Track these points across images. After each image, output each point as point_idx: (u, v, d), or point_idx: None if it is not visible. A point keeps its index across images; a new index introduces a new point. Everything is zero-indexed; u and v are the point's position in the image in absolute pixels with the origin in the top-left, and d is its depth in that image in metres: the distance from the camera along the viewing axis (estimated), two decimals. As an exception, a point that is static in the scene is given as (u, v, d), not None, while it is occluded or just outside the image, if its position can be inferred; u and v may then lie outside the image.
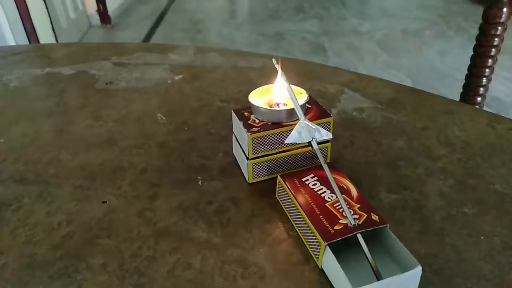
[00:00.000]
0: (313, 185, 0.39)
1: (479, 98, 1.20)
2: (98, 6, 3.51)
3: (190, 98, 0.63)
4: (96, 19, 3.58)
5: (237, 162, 0.47)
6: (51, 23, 2.76)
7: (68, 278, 0.35)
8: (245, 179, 0.45)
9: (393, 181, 0.45)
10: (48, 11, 2.72)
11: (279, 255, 0.36)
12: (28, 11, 2.41)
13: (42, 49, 0.84)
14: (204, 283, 0.34)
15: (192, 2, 4.52)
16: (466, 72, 1.19)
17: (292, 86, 0.41)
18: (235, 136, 0.46)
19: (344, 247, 0.35)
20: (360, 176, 0.45)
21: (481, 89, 1.18)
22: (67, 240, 0.38)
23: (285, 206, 0.41)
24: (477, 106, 1.20)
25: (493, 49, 1.10)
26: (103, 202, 0.43)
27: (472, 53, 1.15)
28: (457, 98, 1.25)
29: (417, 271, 0.31)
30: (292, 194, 0.39)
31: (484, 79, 1.17)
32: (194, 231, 0.39)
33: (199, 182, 0.45)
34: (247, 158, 0.43)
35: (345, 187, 0.39)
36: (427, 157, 0.48)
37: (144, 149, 0.51)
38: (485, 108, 1.30)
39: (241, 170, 0.46)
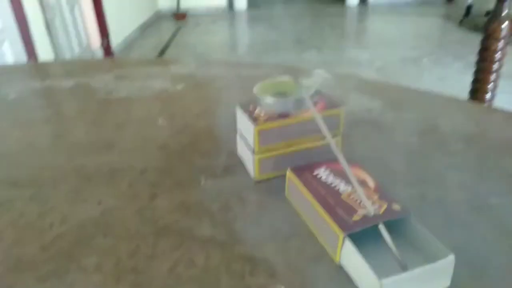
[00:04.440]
0: (326, 177, 0.37)
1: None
2: (102, 41, 3.59)
3: (192, 104, 0.61)
4: (100, 53, 3.65)
5: (242, 163, 0.45)
6: (56, 57, 2.81)
7: (57, 279, 0.31)
8: (251, 179, 0.42)
9: (410, 175, 0.42)
10: (53, 47, 2.78)
11: (290, 251, 0.33)
12: (33, 47, 2.46)
13: (42, 66, 0.84)
14: (208, 281, 0.30)
15: (193, 36, 4.64)
16: (467, 97, 1.18)
17: (301, 79, 0.39)
18: (240, 134, 0.44)
19: (362, 241, 0.31)
20: (375, 171, 0.42)
21: (486, 104, 1.17)
22: (59, 240, 0.35)
23: (296, 201, 0.38)
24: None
25: (496, 64, 1.09)
26: (99, 204, 0.40)
27: (471, 78, 1.15)
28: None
29: (450, 260, 0.28)
30: (304, 187, 0.36)
31: (489, 95, 1.16)
32: (197, 229, 0.36)
33: (202, 182, 0.42)
34: (253, 153, 0.40)
35: (361, 177, 0.36)
36: (443, 152, 0.46)
37: (144, 151, 0.49)
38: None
39: (247, 170, 0.43)
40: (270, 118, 0.40)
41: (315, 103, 0.41)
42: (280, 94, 0.41)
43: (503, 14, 1.06)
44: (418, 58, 3.50)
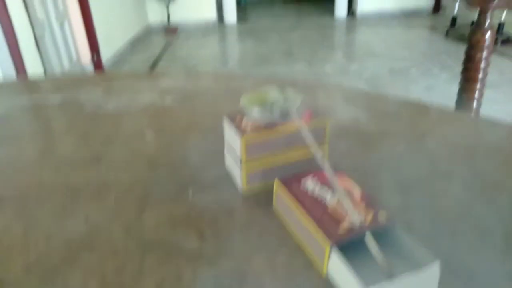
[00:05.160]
0: (313, 188, 0.37)
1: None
2: (92, 56, 3.59)
3: (180, 117, 0.61)
4: (90, 68, 3.64)
5: (230, 176, 0.45)
6: (45, 73, 2.80)
7: (41, 298, 0.31)
8: (239, 191, 0.42)
9: (396, 184, 0.42)
10: (42, 63, 2.77)
11: (278, 264, 0.33)
12: (23, 63, 2.45)
13: (31, 82, 0.83)
14: (196, 296, 0.30)
15: (184, 50, 4.66)
16: (454, 106, 1.20)
17: (286, 90, 0.40)
18: (227, 146, 0.44)
19: (349, 250, 0.31)
20: (361, 180, 0.43)
21: (473, 114, 1.19)
22: (44, 259, 0.34)
23: (284, 212, 0.37)
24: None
25: (481, 73, 1.12)
26: (86, 219, 0.39)
27: (458, 87, 1.17)
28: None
29: (435, 266, 0.28)
30: (291, 197, 0.36)
31: (475, 103, 1.18)
32: (185, 244, 0.35)
33: (190, 196, 0.42)
34: (241, 164, 0.40)
35: (347, 187, 0.36)
36: (430, 160, 0.46)
37: (132, 166, 0.48)
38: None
39: (234, 183, 0.43)
40: (257, 129, 0.40)
41: (301, 114, 0.41)
42: (267, 105, 0.41)
43: (486, 24, 1.09)
44: (406, 69, 3.56)
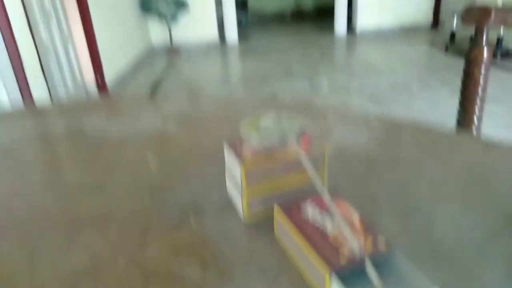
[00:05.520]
0: (313, 213, 0.37)
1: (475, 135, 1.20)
2: (96, 77, 3.64)
3: (182, 143, 0.62)
4: (94, 89, 3.69)
5: (232, 202, 0.45)
6: (50, 95, 2.84)
7: (45, 330, 0.31)
8: (241, 218, 0.42)
9: (396, 208, 0.42)
10: (47, 84, 2.82)
11: (280, 291, 0.33)
12: (28, 85, 2.49)
13: (36, 110, 0.85)
14: (198, 326, 0.30)
15: (186, 70, 4.73)
16: (455, 121, 1.21)
17: (285, 116, 0.41)
18: (228, 172, 0.45)
19: (350, 278, 0.32)
20: (361, 205, 0.43)
21: (474, 131, 1.19)
22: (48, 289, 0.35)
23: (284, 238, 0.38)
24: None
25: (480, 89, 1.13)
26: (89, 250, 0.40)
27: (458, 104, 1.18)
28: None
29: (433, 294, 0.28)
30: (291, 225, 0.36)
31: (475, 120, 1.18)
32: (188, 273, 0.36)
33: (193, 223, 0.43)
34: (241, 191, 0.41)
35: (346, 213, 0.37)
36: (430, 184, 0.47)
37: (134, 193, 0.49)
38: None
39: (236, 209, 0.44)
40: (256, 156, 0.41)
41: (299, 140, 0.42)
42: (266, 132, 0.42)
43: (483, 41, 1.10)
44: (407, 84, 3.58)
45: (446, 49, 4.60)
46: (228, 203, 0.45)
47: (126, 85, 4.11)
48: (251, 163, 0.40)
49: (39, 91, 2.65)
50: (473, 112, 1.14)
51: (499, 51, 4.04)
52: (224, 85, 4.19)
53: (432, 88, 3.45)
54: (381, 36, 5.72)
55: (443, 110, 2.93)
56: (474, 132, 1.21)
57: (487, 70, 1.12)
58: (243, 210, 0.42)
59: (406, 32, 5.83)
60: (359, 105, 3.19)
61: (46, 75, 2.80)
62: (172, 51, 5.54)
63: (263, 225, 0.41)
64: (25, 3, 2.58)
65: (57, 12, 3.21)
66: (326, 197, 0.35)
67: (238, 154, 0.41)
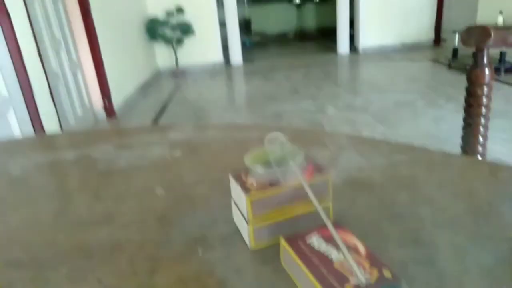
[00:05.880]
0: (318, 245, 0.38)
1: (479, 158, 1.20)
2: (104, 102, 3.71)
3: (189, 171, 0.63)
4: (102, 113, 3.75)
5: (238, 230, 0.46)
6: (59, 120, 2.89)
7: None
8: (247, 247, 0.43)
9: (401, 236, 0.43)
10: (56, 110, 2.87)
11: (287, 324, 0.33)
12: (38, 112, 2.55)
13: (47, 138, 0.87)
14: None
15: (192, 92, 4.79)
16: (461, 140, 1.21)
17: (288, 146, 0.42)
18: (234, 202, 0.46)
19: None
20: (366, 233, 0.44)
21: (480, 148, 1.19)
22: (59, 324, 0.36)
23: (291, 269, 0.38)
24: (479, 165, 1.19)
25: (483, 108, 1.13)
26: (99, 283, 0.40)
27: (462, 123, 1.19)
28: (458, 159, 1.26)
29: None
30: (297, 257, 0.37)
31: (481, 138, 1.18)
32: (195, 305, 0.36)
33: (200, 254, 0.43)
34: (247, 222, 0.41)
35: (352, 244, 0.37)
36: (433, 209, 0.47)
37: (143, 223, 0.50)
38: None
39: (243, 238, 0.44)
40: (261, 187, 0.42)
41: (303, 170, 0.43)
42: (270, 163, 0.43)
43: (484, 61, 1.12)
44: (411, 101, 3.59)
45: (449, 65, 4.63)
46: (235, 232, 0.46)
47: (133, 108, 4.17)
48: (256, 194, 0.41)
49: (48, 118, 2.70)
50: (478, 130, 1.14)
51: (503, 66, 4.05)
52: (230, 106, 4.24)
53: (437, 104, 3.45)
54: (384, 54, 5.78)
55: (448, 125, 2.93)
56: (480, 149, 1.21)
57: (489, 89, 1.13)
58: (249, 239, 0.42)
59: (409, 49, 5.88)
60: (365, 123, 3.20)
61: (55, 100, 2.85)
62: (178, 73, 5.63)
63: (269, 252, 0.42)
64: (35, 32, 2.66)
65: (66, 40, 3.31)
66: (330, 227, 0.35)
67: (243, 185, 0.42)
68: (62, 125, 2.92)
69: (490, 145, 1.23)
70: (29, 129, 2.48)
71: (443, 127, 2.94)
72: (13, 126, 2.41)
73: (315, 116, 3.44)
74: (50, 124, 2.72)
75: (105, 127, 3.62)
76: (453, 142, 2.55)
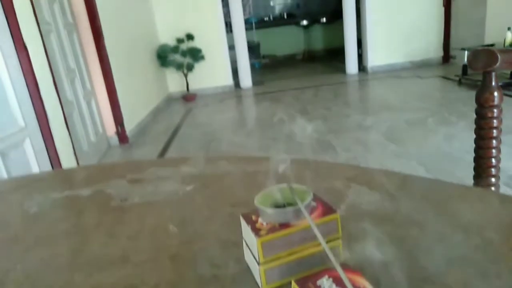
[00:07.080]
0: (329, 287, 0.38)
1: (493, 179, 1.19)
2: (117, 128, 3.78)
3: (201, 207, 0.64)
4: (115, 139, 3.83)
5: (249, 269, 0.47)
6: (73, 147, 2.95)
7: None
8: (259, 287, 0.44)
9: (413, 275, 0.43)
10: (71, 138, 2.94)
11: None
12: (53, 140, 2.61)
13: (62, 174, 0.90)
14: None
15: (203, 116, 4.85)
16: (473, 162, 1.20)
17: (296, 186, 0.43)
18: (245, 242, 0.46)
19: None
20: (377, 272, 0.44)
21: (492, 169, 1.18)
22: None
23: (302, 313, 0.39)
24: (493, 188, 1.18)
25: (494, 130, 1.13)
26: (115, 325, 0.41)
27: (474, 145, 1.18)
28: (472, 181, 1.25)
29: None
30: (308, 299, 0.37)
31: (493, 160, 1.17)
32: None
33: (212, 294, 0.44)
34: (258, 264, 0.42)
35: (361, 286, 0.37)
36: (444, 245, 0.47)
37: (156, 263, 0.51)
38: (503, 187, 1.28)
39: (254, 278, 0.45)
40: (272, 229, 0.42)
41: (311, 211, 0.44)
42: (279, 205, 0.44)
43: (492, 84, 1.12)
44: (422, 119, 3.57)
45: (459, 82, 4.61)
46: (246, 271, 0.46)
47: (145, 133, 4.23)
48: (267, 236, 0.41)
49: (63, 147, 2.76)
50: (490, 155, 1.13)
51: (514, 82, 4.02)
52: (240, 129, 4.27)
53: (448, 122, 3.43)
54: (393, 72, 5.80)
55: (461, 143, 2.90)
56: (493, 171, 1.20)
57: (499, 111, 1.12)
58: (260, 280, 0.43)
59: (418, 67, 5.89)
60: (376, 143, 3.18)
61: (69, 128, 2.92)
62: (188, 98, 5.73)
63: (281, 292, 0.42)
64: (51, 63, 2.75)
65: (80, 70, 3.41)
66: (340, 271, 0.36)
67: (253, 226, 0.43)
68: (76, 151, 2.98)
69: (504, 162, 1.21)
70: (44, 156, 2.54)
71: (455, 145, 2.91)
72: (28, 154, 2.47)
73: (326, 137, 3.44)
74: (65, 151, 2.78)
75: (118, 154, 3.68)
76: (465, 160, 2.53)
